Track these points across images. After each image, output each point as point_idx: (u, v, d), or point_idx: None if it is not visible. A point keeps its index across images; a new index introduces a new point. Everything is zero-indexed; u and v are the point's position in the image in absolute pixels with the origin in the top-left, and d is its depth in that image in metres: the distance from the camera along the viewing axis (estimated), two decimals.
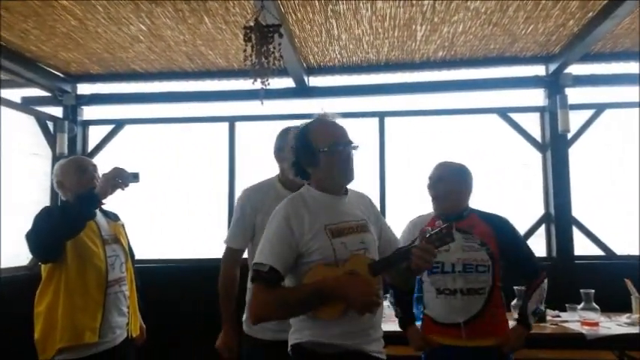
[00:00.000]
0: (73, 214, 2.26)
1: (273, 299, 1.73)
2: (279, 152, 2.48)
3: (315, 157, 1.85)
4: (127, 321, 2.54)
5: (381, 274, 1.87)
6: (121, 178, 2.36)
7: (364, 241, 1.87)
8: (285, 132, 2.45)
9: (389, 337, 2.05)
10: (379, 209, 2.21)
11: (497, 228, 2.51)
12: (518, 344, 2.49)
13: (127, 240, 2.73)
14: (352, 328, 1.78)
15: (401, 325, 2.68)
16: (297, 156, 1.90)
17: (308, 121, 1.97)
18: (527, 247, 2.63)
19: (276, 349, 2.28)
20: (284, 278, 1.78)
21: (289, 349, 1.88)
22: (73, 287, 2.35)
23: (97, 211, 2.54)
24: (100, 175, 2.48)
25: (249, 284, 2.09)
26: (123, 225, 2.75)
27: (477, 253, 2.44)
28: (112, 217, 2.68)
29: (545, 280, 2.54)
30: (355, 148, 1.90)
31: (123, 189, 2.39)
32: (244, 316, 2.49)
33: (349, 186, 1.97)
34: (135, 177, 2.42)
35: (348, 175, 1.90)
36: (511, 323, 2.57)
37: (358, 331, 1.80)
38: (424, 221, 2.61)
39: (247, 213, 2.42)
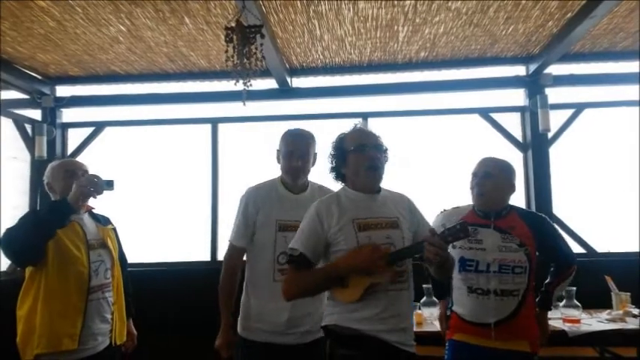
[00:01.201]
0: (43, 222, 2.22)
1: (298, 279, 2.01)
2: (277, 153, 2.57)
3: (344, 158, 2.09)
4: (110, 328, 2.48)
5: (397, 262, 1.96)
6: (93, 186, 2.31)
7: (391, 236, 2.00)
8: (285, 134, 2.55)
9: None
10: None
11: (537, 228, 2.48)
12: (547, 331, 2.58)
13: (118, 245, 2.69)
14: (369, 314, 1.93)
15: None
16: (332, 160, 2.16)
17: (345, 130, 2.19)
18: (564, 243, 2.62)
19: (269, 352, 2.31)
20: (314, 264, 2.02)
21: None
22: (53, 292, 2.30)
23: (86, 214, 2.53)
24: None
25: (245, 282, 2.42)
26: (114, 229, 2.70)
27: (515, 254, 2.40)
28: (102, 221, 2.62)
29: (574, 272, 2.60)
30: (382, 150, 2.10)
31: (95, 197, 2.35)
32: (240, 320, 2.48)
33: (388, 187, 2.17)
34: (109, 184, 2.36)
35: (372, 174, 2.06)
36: None
37: (374, 317, 1.93)
38: (460, 213, 2.56)
39: (249, 211, 2.45)
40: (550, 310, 2.66)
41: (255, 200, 2.46)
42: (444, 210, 2.66)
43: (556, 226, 2.63)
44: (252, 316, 2.40)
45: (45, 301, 2.30)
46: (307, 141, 2.51)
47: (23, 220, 2.27)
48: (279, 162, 2.55)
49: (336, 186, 2.25)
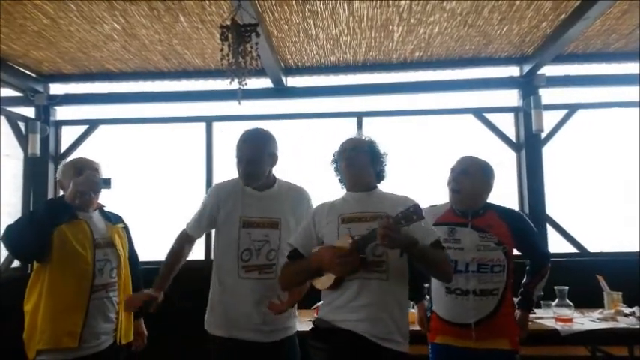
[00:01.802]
0: (40, 219, 2.22)
1: (287, 270, 2.21)
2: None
3: (337, 163, 2.33)
4: (114, 327, 2.46)
5: (364, 247, 2.01)
6: (89, 184, 2.30)
7: (371, 228, 2.01)
8: (240, 137, 2.55)
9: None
10: None
11: (514, 225, 2.49)
12: (526, 330, 2.59)
13: (130, 244, 2.68)
14: (342, 302, 2.04)
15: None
16: (334, 171, 2.36)
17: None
18: (540, 239, 2.66)
19: (234, 347, 2.36)
20: (303, 257, 2.18)
21: None
22: (55, 289, 2.30)
23: (96, 213, 2.53)
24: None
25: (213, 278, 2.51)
26: (124, 228, 2.68)
27: (493, 253, 2.40)
28: (112, 220, 2.59)
29: (549, 271, 2.62)
30: (358, 151, 2.25)
31: (92, 196, 2.36)
32: (206, 315, 2.51)
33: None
34: (106, 183, 2.37)
35: (349, 172, 2.24)
36: None
37: (345, 305, 2.03)
38: (437, 212, 2.56)
39: (209, 207, 2.52)
40: (531, 310, 2.69)
41: (218, 196, 2.50)
42: (422, 209, 2.64)
43: (532, 225, 2.62)
44: (219, 311, 2.43)
45: (47, 298, 2.30)
46: (256, 145, 2.46)
47: (23, 218, 2.30)
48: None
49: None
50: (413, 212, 1.89)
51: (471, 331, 2.36)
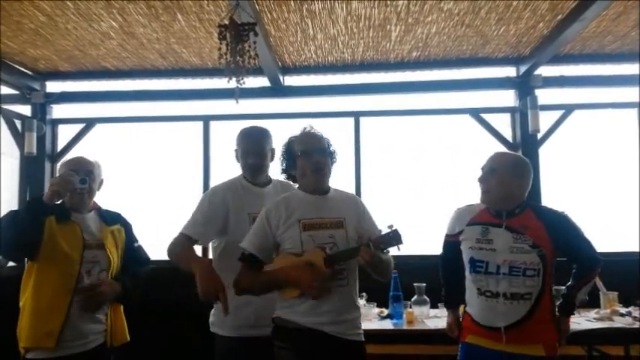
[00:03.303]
0: (20, 220, 2.20)
1: (248, 278, 2.13)
2: (235, 151, 2.61)
3: (293, 161, 2.21)
4: (103, 328, 2.43)
5: (334, 265, 2.05)
6: (65, 184, 2.26)
7: (334, 235, 2.11)
8: (241, 132, 2.60)
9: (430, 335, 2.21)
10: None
11: (554, 227, 2.30)
12: (565, 335, 2.38)
13: (128, 243, 2.62)
14: (306, 307, 2.05)
15: (446, 305, 2.71)
16: (282, 162, 2.28)
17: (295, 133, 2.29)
18: (586, 241, 2.39)
19: (241, 345, 2.35)
20: (264, 261, 2.13)
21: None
22: (40, 288, 2.30)
23: (92, 213, 2.51)
24: (99, 178, 2.52)
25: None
26: (120, 229, 2.61)
27: (527, 256, 2.24)
28: (107, 221, 2.55)
29: (597, 276, 2.49)
30: (327, 154, 2.20)
31: (66, 195, 2.30)
32: (212, 318, 2.49)
33: (337, 187, 2.28)
34: (82, 182, 2.34)
35: (316, 177, 2.17)
36: None
37: (311, 310, 2.05)
38: (472, 211, 2.45)
39: (218, 208, 2.44)
40: (572, 314, 2.46)
41: (224, 198, 2.46)
42: (458, 208, 2.54)
43: (578, 225, 2.38)
44: (229, 311, 2.37)
45: (32, 297, 2.30)
46: (261, 138, 2.55)
47: (5, 217, 2.26)
48: (238, 161, 2.60)
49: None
50: (392, 238, 1.99)
51: (501, 335, 2.24)
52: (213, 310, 2.50)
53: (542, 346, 2.26)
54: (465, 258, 2.41)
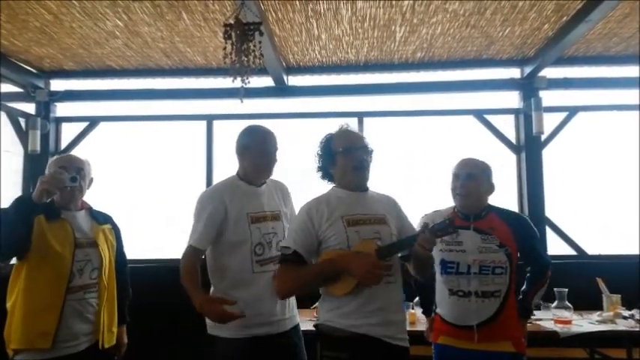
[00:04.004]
0: (9, 219, 2.16)
1: (292, 275, 2.04)
2: (243, 150, 2.51)
3: (333, 158, 2.17)
4: (92, 329, 2.40)
5: (387, 257, 2.01)
6: (55, 182, 2.21)
7: (379, 231, 2.07)
8: (255, 131, 2.54)
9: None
10: None
11: (516, 228, 2.46)
12: (524, 336, 2.52)
13: (118, 245, 2.62)
14: (354, 307, 1.98)
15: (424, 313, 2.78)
16: (320, 159, 2.24)
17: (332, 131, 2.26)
18: (541, 245, 2.58)
19: (245, 345, 2.31)
20: (307, 261, 2.05)
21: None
22: (31, 288, 2.27)
23: (82, 212, 2.49)
24: (89, 176, 2.49)
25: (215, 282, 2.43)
26: (112, 229, 2.61)
27: (495, 255, 2.38)
28: (99, 220, 2.54)
29: (548, 280, 2.59)
30: (370, 152, 2.20)
31: (56, 193, 2.25)
32: (208, 320, 2.42)
33: (374, 188, 2.26)
34: (73, 180, 2.30)
35: (360, 174, 2.15)
36: None
37: (358, 310, 1.97)
38: (441, 215, 2.49)
39: (216, 214, 2.39)
40: (529, 318, 2.69)
41: (222, 200, 2.42)
42: (425, 214, 2.63)
43: (535, 229, 2.58)
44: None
45: (23, 297, 2.26)
46: (274, 139, 2.53)
47: None
48: (244, 158, 2.51)
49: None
50: (449, 225, 1.95)
51: (473, 333, 2.35)
52: None
53: (511, 343, 2.39)
54: (435, 260, 2.45)
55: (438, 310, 2.53)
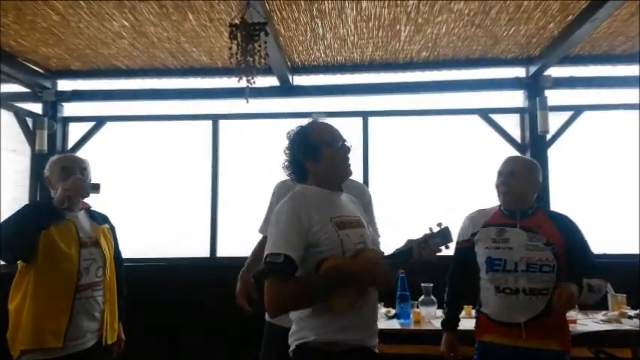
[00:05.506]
0: (27, 222, 2.21)
1: (291, 291, 1.70)
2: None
3: (316, 151, 1.90)
4: (98, 326, 2.45)
5: (398, 269, 1.95)
6: (78, 189, 2.30)
7: (362, 235, 1.92)
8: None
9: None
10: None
11: (563, 227, 2.43)
12: (569, 303, 2.21)
13: (114, 244, 2.67)
14: (356, 320, 1.81)
15: (444, 325, 2.69)
16: (295, 153, 1.95)
17: (304, 123, 2.02)
18: (589, 247, 2.47)
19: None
20: (297, 269, 1.72)
21: (292, 350, 1.86)
22: (40, 289, 2.29)
23: (82, 212, 2.52)
24: (90, 176, 2.49)
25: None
26: (110, 229, 2.66)
27: (542, 253, 2.36)
28: (98, 220, 2.58)
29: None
30: (350, 146, 1.98)
31: (79, 200, 2.35)
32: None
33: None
34: (94, 188, 2.36)
35: (347, 170, 1.98)
36: None
37: (361, 324, 1.84)
38: (486, 215, 2.55)
39: (273, 204, 2.47)
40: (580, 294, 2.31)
41: (280, 196, 2.39)
42: (470, 214, 2.63)
43: (582, 231, 2.48)
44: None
45: (32, 298, 2.28)
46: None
47: (9, 219, 2.24)
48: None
49: None
50: (445, 236, 1.91)
51: (520, 331, 2.33)
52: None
53: (557, 342, 2.35)
54: (481, 258, 2.47)
55: (482, 309, 2.50)
